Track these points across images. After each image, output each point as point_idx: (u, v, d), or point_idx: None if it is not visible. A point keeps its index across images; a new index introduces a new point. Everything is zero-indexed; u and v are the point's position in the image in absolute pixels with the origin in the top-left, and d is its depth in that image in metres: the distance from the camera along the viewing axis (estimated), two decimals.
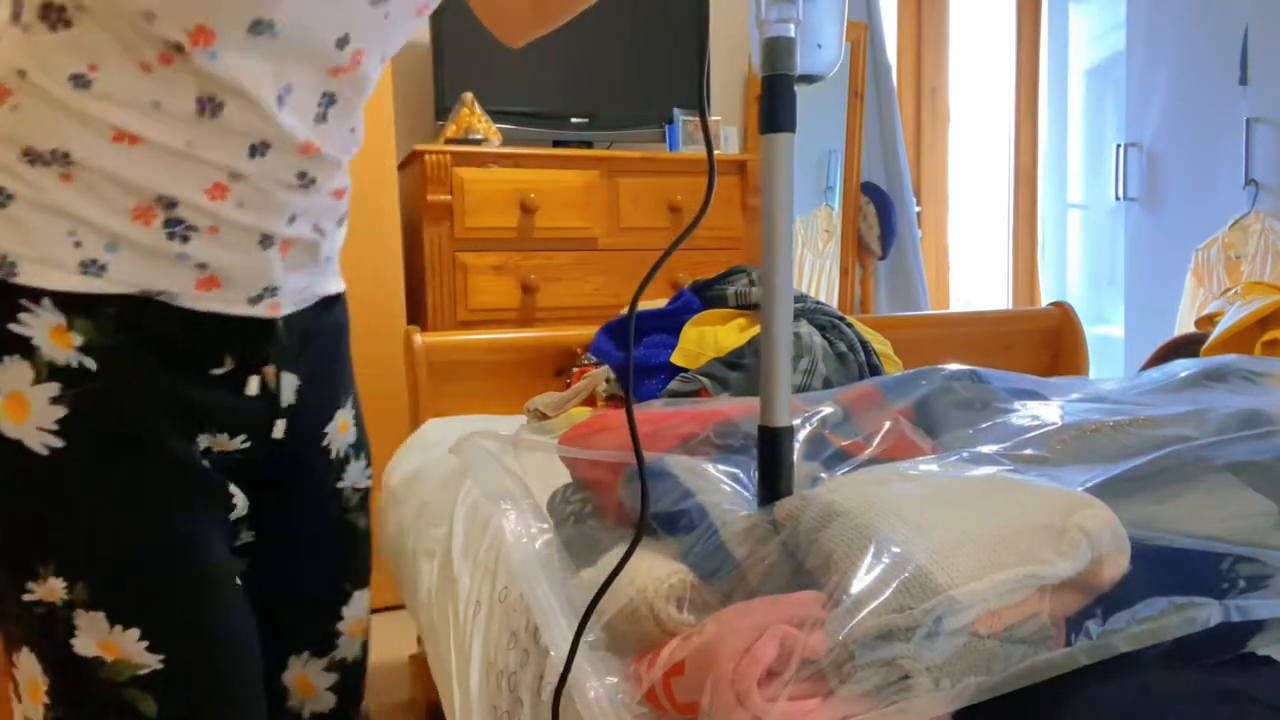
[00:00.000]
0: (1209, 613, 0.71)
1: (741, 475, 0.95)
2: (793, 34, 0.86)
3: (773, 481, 0.89)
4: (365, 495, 1.05)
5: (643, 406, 1.25)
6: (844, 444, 0.97)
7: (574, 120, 2.88)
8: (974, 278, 4.01)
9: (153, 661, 0.78)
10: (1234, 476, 0.88)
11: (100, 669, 0.77)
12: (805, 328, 1.55)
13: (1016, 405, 1.04)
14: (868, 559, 0.72)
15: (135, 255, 0.76)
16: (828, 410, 1.04)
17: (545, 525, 1.09)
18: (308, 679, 1.01)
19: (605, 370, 1.73)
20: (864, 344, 1.62)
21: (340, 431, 1.00)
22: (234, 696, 0.83)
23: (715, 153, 2.91)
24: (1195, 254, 2.95)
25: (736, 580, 0.83)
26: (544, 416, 1.81)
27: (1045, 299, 3.91)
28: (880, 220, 3.51)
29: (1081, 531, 0.74)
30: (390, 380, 2.33)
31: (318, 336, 0.95)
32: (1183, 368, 1.24)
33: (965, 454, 0.90)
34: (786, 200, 0.88)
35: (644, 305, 1.95)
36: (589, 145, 2.87)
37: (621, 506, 1.02)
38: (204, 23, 0.72)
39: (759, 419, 0.89)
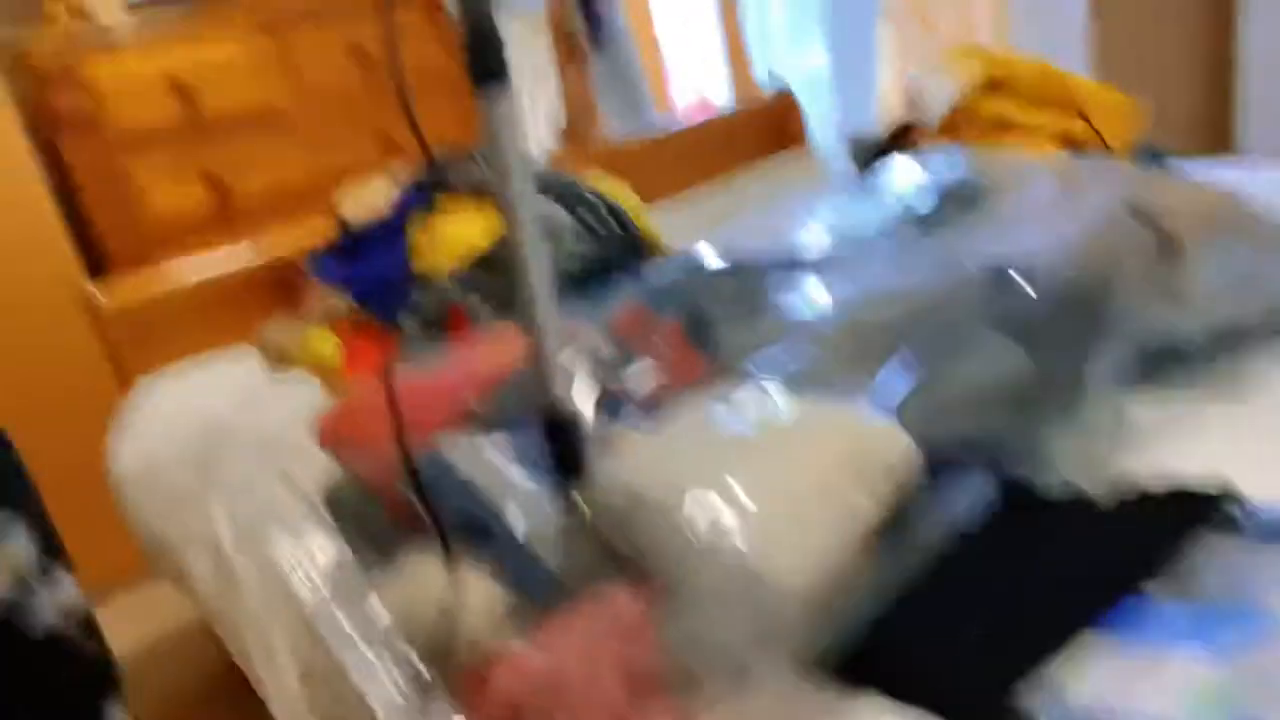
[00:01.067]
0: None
1: (530, 452, 0.87)
2: None
3: (568, 467, 0.81)
4: None
5: (412, 379, 1.12)
6: (627, 391, 0.91)
7: None
8: (687, 54, 3.92)
9: None
10: (995, 333, 0.90)
11: None
12: (548, 207, 1.43)
13: (778, 295, 1.01)
14: (688, 553, 0.68)
15: None
16: (600, 345, 0.96)
17: (323, 544, 0.97)
18: None
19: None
20: (613, 210, 1.53)
21: None
22: None
23: None
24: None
25: (556, 592, 0.77)
26: (282, 353, 1.61)
27: (759, 66, 3.90)
28: (583, 10, 3.30)
29: (880, 466, 0.74)
30: (77, 339, 1.97)
31: None
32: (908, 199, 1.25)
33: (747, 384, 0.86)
34: (521, 170, 0.75)
35: (353, 209, 1.74)
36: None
37: (407, 504, 0.92)
38: None
39: (540, 402, 0.80)
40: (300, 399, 1.47)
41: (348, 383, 1.48)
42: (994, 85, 1.72)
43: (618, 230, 1.52)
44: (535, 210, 0.77)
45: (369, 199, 1.76)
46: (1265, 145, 2.59)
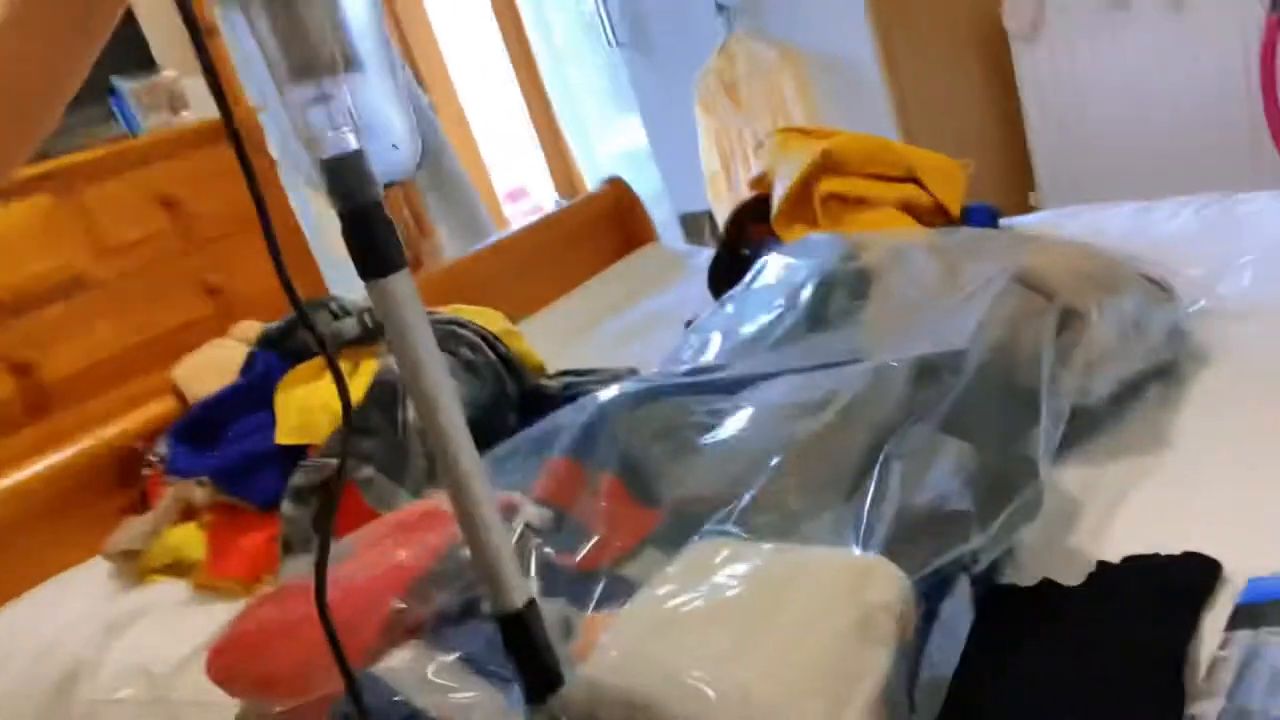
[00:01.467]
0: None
1: (480, 663, 0.77)
2: (356, 145, 0.62)
3: (536, 673, 0.72)
4: None
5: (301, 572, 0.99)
6: (576, 560, 0.83)
7: None
8: (510, 161, 3.92)
9: None
10: (943, 435, 0.89)
11: None
12: None
13: (704, 423, 0.96)
14: None
15: None
16: (533, 512, 0.88)
17: None
18: None
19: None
20: (485, 339, 1.45)
21: None
22: None
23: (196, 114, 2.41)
24: (695, 88, 3.10)
25: None
26: (134, 555, 1.42)
27: (580, 163, 3.95)
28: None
29: (883, 610, 0.69)
30: None
31: None
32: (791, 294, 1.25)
33: (703, 535, 0.80)
34: (429, 353, 0.67)
35: (200, 386, 1.58)
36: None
37: None
38: None
39: (489, 602, 0.71)
40: (180, 615, 1.29)
41: (217, 584, 1.32)
42: (825, 165, 1.77)
43: (495, 360, 1.44)
44: (453, 395, 0.69)
45: (212, 367, 1.61)
46: (1059, 186, 2.83)
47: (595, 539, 0.83)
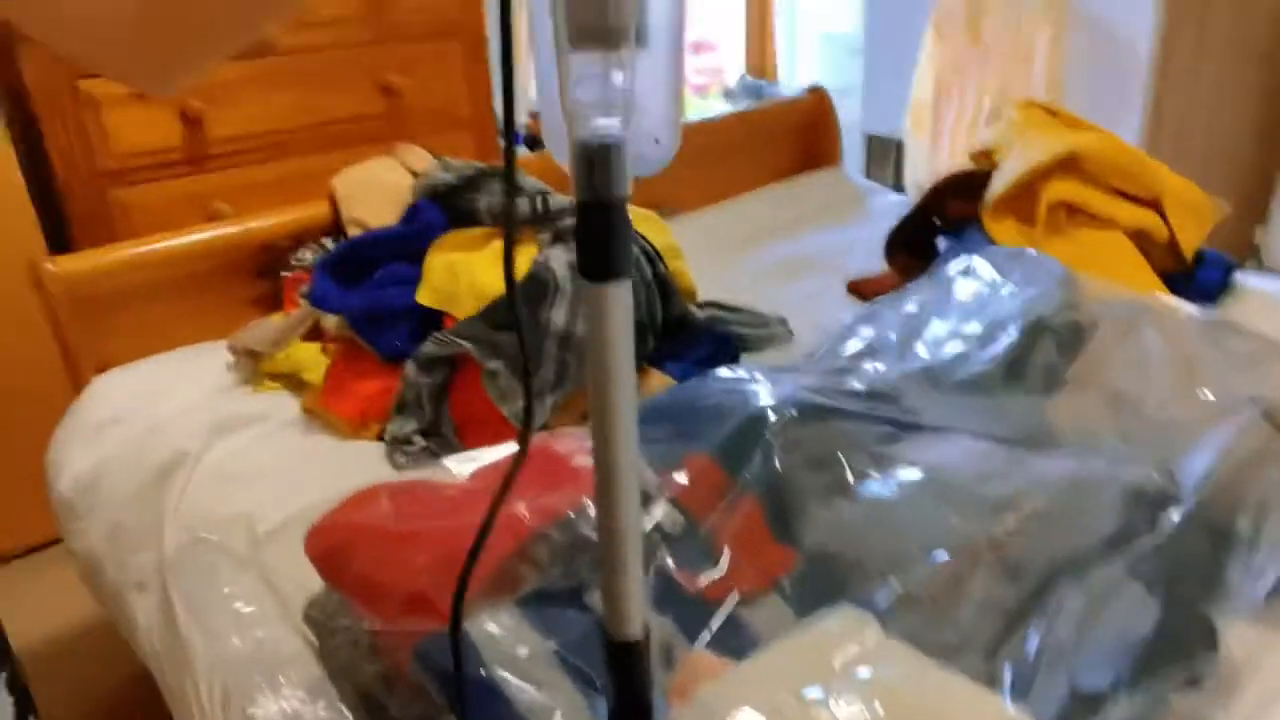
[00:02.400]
0: None
1: (571, 658, 0.73)
2: (620, 133, 0.52)
3: (629, 703, 0.68)
4: None
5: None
6: (697, 586, 0.77)
7: None
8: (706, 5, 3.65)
9: None
10: (1135, 582, 0.79)
11: None
12: (562, 257, 1.25)
13: (869, 464, 0.87)
14: None
15: None
16: (665, 515, 0.82)
17: (307, 700, 0.83)
18: None
19: None
20: (647, 254, 1.37)
21: None
22: None
23: None
24: (936, 5, 2.81)
25: None
26: (256, 356, 1.43)
27: (779, 33, 3.67)
28: None
29: None
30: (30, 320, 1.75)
31: None
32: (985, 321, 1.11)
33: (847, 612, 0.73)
34: (624, 374, 0.59)
35: (359, 208, 1.53)
36: None
37: (415, 683, 0.78)
38: None
39: (606, 622, 0.67)
40: (283, 436, 1.30)
41: (326, 416, 1.32)
42: (1067, 164, 1.57)
43: (651, 280, 1.36)
44: (633, 415, 0.62)
45: (372, 186, 1.56)
46: None
47: (723, 570, 0.77)
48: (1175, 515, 0.80)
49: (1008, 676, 0.67)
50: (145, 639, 1.22)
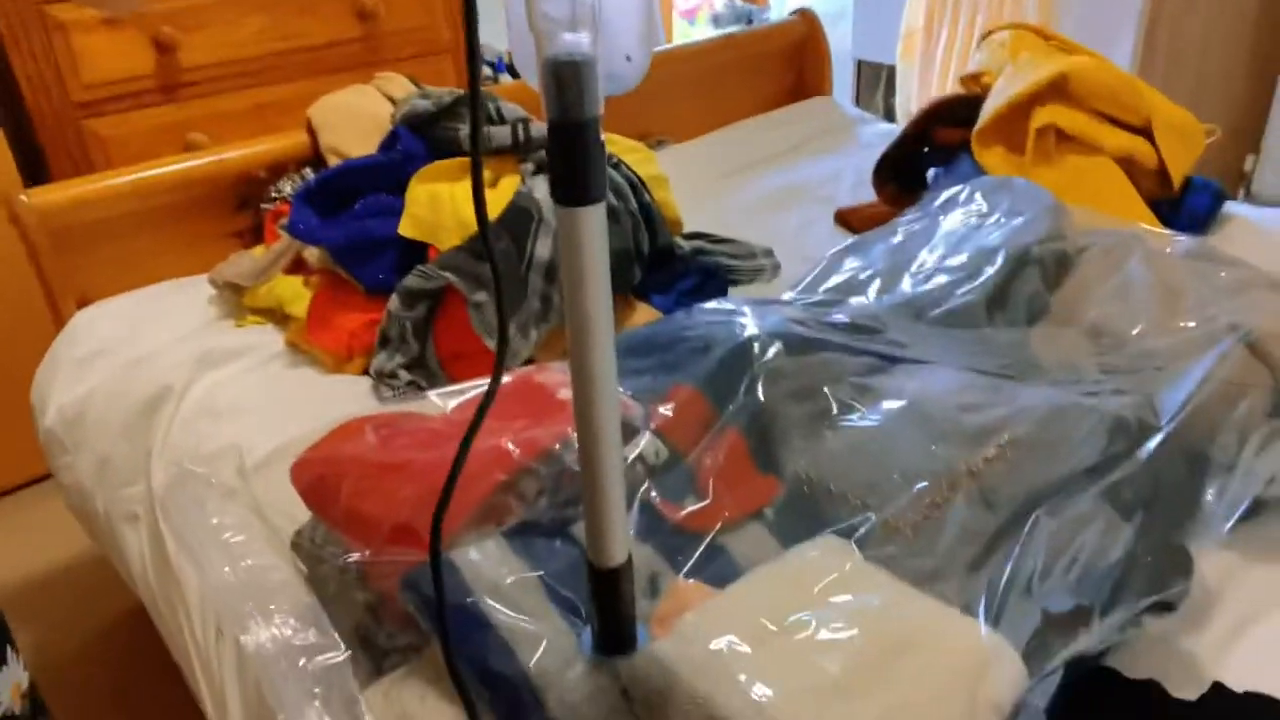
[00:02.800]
0: None
1: (557, 587, 0.74)
2: (590, 49, 0.51)
3: (613, 629, 0.69)
4: None
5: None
6: (680, 517, 0.78)
7: None
8: None
9: None
10: (1109, 508, 0.80)
11: None
12: (546, 188, 1.23)
13: (852, 394, 0.88)
14: None
15: None
16: (650, 446, 0.82)
17: (298, 627, 0.84)
18: None
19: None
20: (632, 183, 1.35)
21: None
22: None
23: None
24: None
25: None
26: (239, 289, 1.42)
27: None
28: None
29: (991, 708, 0.64)
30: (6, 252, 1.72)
31: None
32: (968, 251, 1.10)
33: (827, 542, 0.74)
34: (600, 297, 0.59)
35: (337, 137, 1.50)
36: None
37: (403, 612, 0.79)
38: None
39: (588, 548, 0.67)
40: (267, 370, 1.30)
41: (311, 349, 1.31)
42: (1057, 89, 1.55)
43: (636, 210, 1.35)
44: (610, 344, 0.62)
45: (350, 115, 1.53)
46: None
47: (706, 502, 0.78)
48: (1153, 444, 0.81)
49: (983, 601, 0.69)
50: (138, 571, 1.24)
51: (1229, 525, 0.85)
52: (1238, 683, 0.78)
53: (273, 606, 0.92)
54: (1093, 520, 0.76)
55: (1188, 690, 0.77)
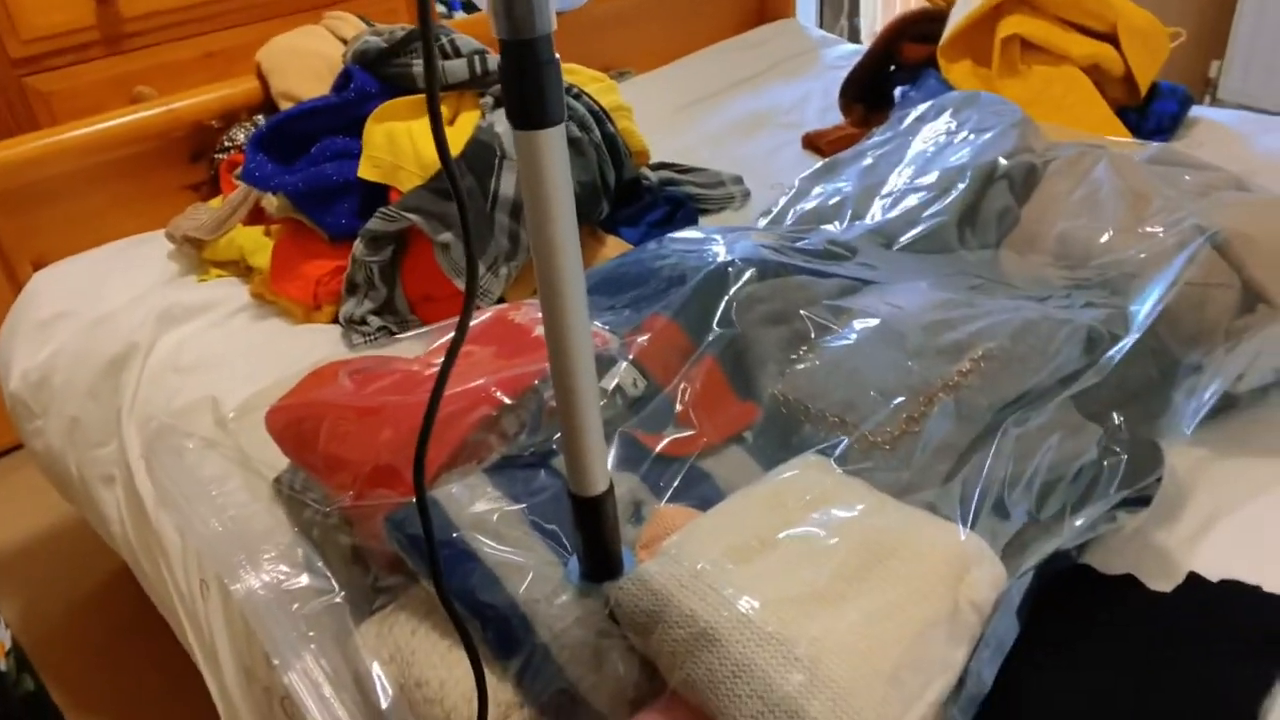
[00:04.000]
0: None
1: (541, 520, 0.74)
2: None
3: (598, 556, 0.70)
4: None
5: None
6: (661, 446, 0.78)
7: None
8: None
9: None
10: (1074, 410, 0.80)
11: None
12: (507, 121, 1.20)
13: (828, 315, 0.87)
14: (762, 718, 0.59)
15: None
16: (627, 375, 0.82)
17: (289, 572, 0.84)
18: None
19: None
20: (595, 113, 1.32)
21: None
22: None
23: None
24: None
25: (585, 711, 0.67)
26: (198, 243, 1.39)
27: None
28: None
29: (972, 607, 0.65)
30: None
31: None
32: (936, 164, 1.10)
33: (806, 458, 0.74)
34: (565, 224, 0.58)
35: (288, 81, 1.46)
36: None
37: (389, 552, 0.79)
38: None
39: (568, 477, 0.67)
40: (233, 323, 1.27)
41: (277, 300, 1.29)
42: None
43: (600, 141, 1.32)
44: (578, 267, 0.61)
45: (300, 57, 1.49)
46: (1252, 65, 2.49)
47: (685, 433, 0.77)
48: (1124, 347, 0.82)
49: (958, 507, 0.70)
50: (117, 530, 1.23)
51: (1195, 422, 0.86)
52: (1210, 572, 0.80)
53: (263, 554, 0.92)
54: (1061, 426, 0.76)
55: (1163, 583, 0.79)
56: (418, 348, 1.14)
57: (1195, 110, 1.62)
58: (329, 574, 0.83)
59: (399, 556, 0.77)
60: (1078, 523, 0.76)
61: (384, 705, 0.72)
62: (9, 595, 1.66)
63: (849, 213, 1.08)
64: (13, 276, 1.38)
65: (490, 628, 0.69)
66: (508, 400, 0.80)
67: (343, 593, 0.81)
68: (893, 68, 1.74)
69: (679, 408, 0.79)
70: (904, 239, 0.99)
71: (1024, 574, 0.68)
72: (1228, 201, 1.00)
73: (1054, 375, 0.80)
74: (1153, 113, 1.54)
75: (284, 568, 0.89)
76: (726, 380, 0.82)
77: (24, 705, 0.82)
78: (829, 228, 1.05)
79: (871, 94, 1.72)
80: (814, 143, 1.68)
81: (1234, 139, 1.54)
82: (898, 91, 1.68)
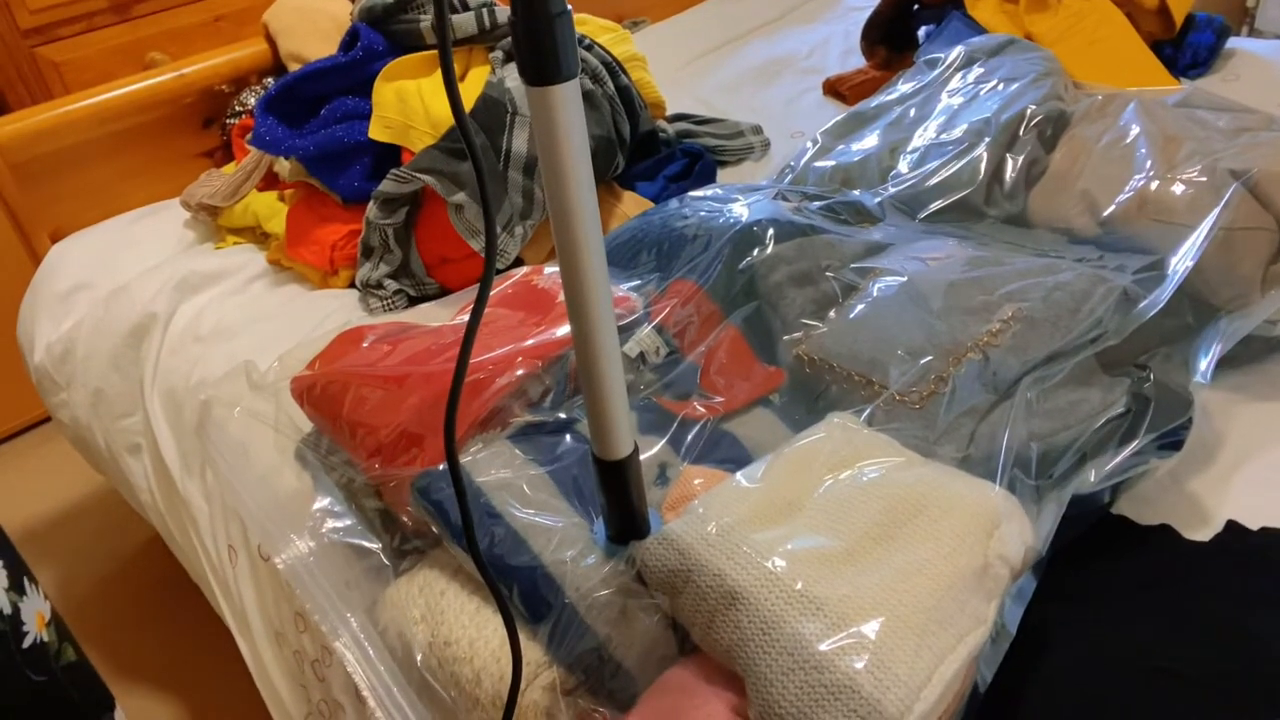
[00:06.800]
0: None
1: (566, 484, 0.73)
2: None
3: (625, 518, 0.69)
4: None
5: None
6: (686, 411, 0.76)
7: None
8: None
9: None
10: (1093, 360, 0.78)
11: None
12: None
13: (853, 275, 0.85)
14: (792, 675, 0.58)
15: None
16: (650, 341, 0.80)
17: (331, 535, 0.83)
18: None
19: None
20: (608, 65, 1.29)
21: None
22: None
23: None
24: None
25: (613, 669, 0.67)
26: (214, 211, 1.38)
27: None
28: None
29: (1002, 561, 0.64)
30: None
31: None
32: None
33: (837, 420, 0.73)
34: (581, 177, 0.56)
35: (296, 42, 1.43)
36: None
37: (416, 515, 0.78)
38: None
39: (592, 441, 0.66)
40: (251, 290, 1.27)
41: (293, 265, 1.28)
42: None
43: (615, 93, 1.29)
44: (597, 228, 0.59)
45: (307, 18, 1.46)
46: None
47: (710, 399, 0.76)
48: (1160, 299, 0.79)
49: (986, 463, 0.68)
50: (146, 499, 1.24)
51: (1211, 368, 0.84)
52: (1246, 517, 0.79)
53: (307, 518, 0.91)
54: (1085, 381, 0.74)
55: (1200, 531, 0.78)
56: (440, 313, 1.13)
57: (1232, 42, 1.56)
58: (368, 537, 0.82)
59: (424, 520, 0.77)
60: (1107, 467, 0.74)
61: (417, 661, 0.72)
62: (45, 566, 1.69)
63: (874, 171, 1.05)
64: (32, 249, 1.38)
65: (519, 589, 0.68)
66: (533, 369, 0.79)
67: (380, 550, 0.81)
68: (916, 7, 1.69)
69: (704, 374, 0.77)
70: (930, 208, 0.96)
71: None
72: (1261, 141, 0.96)
73: (1085, 336, 0.78)
74: (1188, 45, 1.48)
75: (330, 527, 0.88)
76: (751, 346, 0.80)
77: (67, 674, 0.83)
78: (853, 193, 1.02)
79: (894, 36, 1.67)
80: (835, 88, 1.64)
81: (1273, 71, 1.49)
82: (921, 32, 1.63)
